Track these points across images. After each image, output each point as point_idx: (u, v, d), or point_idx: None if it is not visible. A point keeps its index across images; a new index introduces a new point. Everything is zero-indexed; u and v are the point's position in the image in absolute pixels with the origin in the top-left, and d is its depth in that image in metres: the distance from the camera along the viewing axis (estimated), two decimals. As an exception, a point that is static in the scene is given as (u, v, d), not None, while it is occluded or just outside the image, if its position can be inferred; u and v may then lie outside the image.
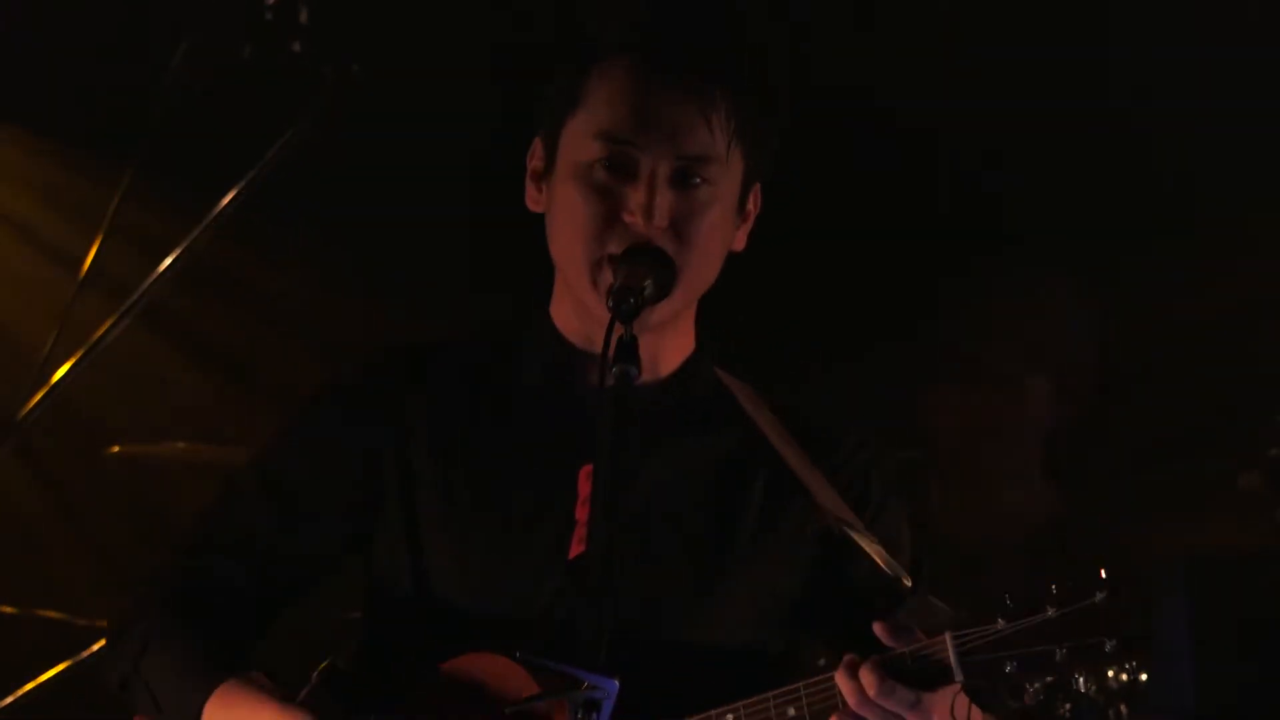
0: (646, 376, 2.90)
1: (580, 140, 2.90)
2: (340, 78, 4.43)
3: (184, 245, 4.41)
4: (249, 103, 5.16)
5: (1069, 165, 5.33)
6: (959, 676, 2.59)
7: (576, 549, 2.90)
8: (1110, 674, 4.74)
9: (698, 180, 2.88)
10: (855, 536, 2.83)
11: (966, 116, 5.33)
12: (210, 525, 3.08)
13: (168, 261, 4.41)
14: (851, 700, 2.65)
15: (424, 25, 5.52)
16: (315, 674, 2.94)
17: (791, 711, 2.74)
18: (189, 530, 3.10)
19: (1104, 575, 2.51)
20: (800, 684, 2.73)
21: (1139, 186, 5.31)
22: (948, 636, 2.60)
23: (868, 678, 2.63)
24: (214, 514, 3.09)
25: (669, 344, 3.02)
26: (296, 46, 4.64)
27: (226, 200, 4.42)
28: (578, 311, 2.99)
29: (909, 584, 2.80)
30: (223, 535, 3.05)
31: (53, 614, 5.31)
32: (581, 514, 2.90)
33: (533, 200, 3.01)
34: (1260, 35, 5.19)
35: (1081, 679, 2.53)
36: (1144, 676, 4.76)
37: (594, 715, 2.62)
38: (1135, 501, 4.98)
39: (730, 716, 2.79)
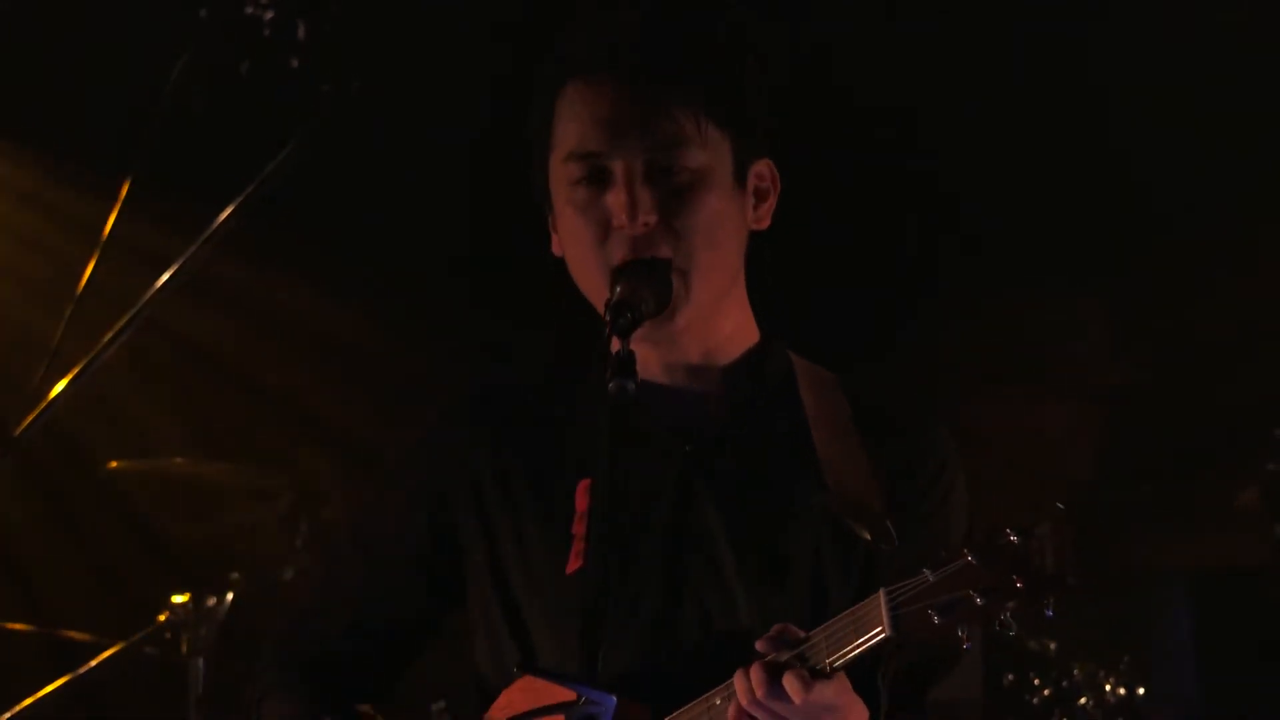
0: (703, 368, 2.96)
1: (560, 170, 2.93)
2: (338, 93, 4.43)
3: (182, 260, 4.40)
4: (248, 118, 5.16)
5: (1068, 182, 5.34)
6: (888, 630, 2.58)
7: (574, 564, 2.90)
8: (1108, 688, 4.77)
9: (678, 168, 2.87)
10: (845, 516, 2.84)
11: (974, 131, 5.34)
12: (312, 589, 3.19)
13: (165, 276, 4.40)
14: (744, 700, 2.67)
15: (422, 40, 5.53)
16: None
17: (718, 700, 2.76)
18: (298, 594, 3.18)
19: (1019, 519, 2.51)
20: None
21: (1136, 206, 5.32)
22: (881, 593, 2.60)
23: (756, 677, 2.66)
24: (315, 577, 3.24)
25: (720, 336, 3.00)
26: (295, 63, 4.65)
27: (225, 215, 4.42)
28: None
29: (886, 547, 2.81)
30: (324, 598, 3.13)
31: (51, 630, 5.31)
32: (578, 529, 2.91)
33: (555, 247, 3.02)
34: (1258, 47, 5.21)
35: (1010, 617, 2.51)
36: (1141, 690, 4.79)
37: (591, 731, 2.62)
38: (1135, 518, 4.97)
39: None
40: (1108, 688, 4.77)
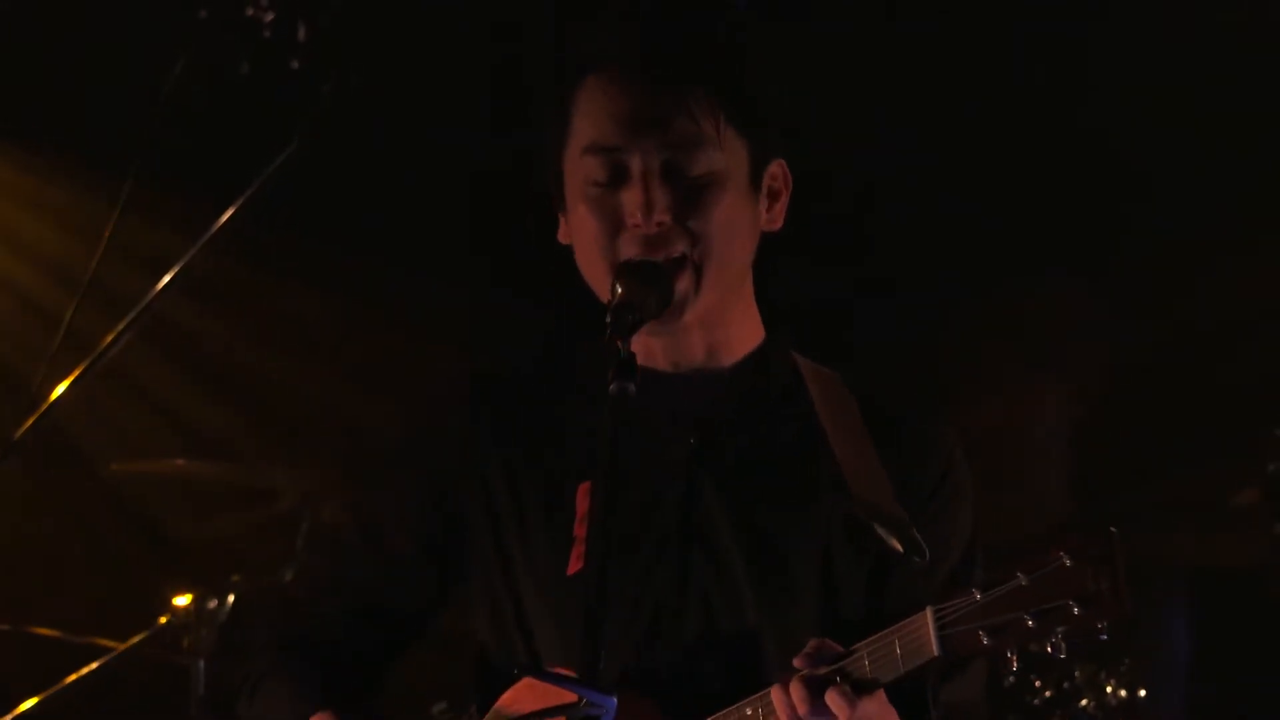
0: (709, 365, 2.96)
1: (575, 162, 2.93)
2: (338, 94, 4.43)
3: (183, 261, 4.40)
4: (247, 119, 5.16)
5: (1068, 182, 5.34)
6: (936, 652, 2.58)
7: (575, 565, 2.90)
8: (1109, 689, 4.77)
9: (695, 169, 2.88)
10: (876, 526, 2.83)
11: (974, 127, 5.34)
12: (312, 574, 3.16)
13: (167, 278, 4.41)
14: (785, 716, 2.68)
15: (422, 41, 5.53)
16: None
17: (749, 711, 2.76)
18: (296, 580, 3.23)
19: (1071, 540, 2.50)
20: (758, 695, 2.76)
21: (1136, 206, 5.31)
22: (928, 611, 2.60)
23: (797, 693, 2.65)
24: (315, 563, 3.18)
25: (727, 334, 3.01)
26: (295, 64, 4.64)
27: (225, 217, 4.42)
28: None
29: (920, 560, 2.80)
30: (325, 583, 3.11)
31: (51, 632, 5.31)
32: (580, 531, 2.90)
33: (562, 234, 3.03)
34: (1258, 47, 5.20)
35: (1061, 643, 2.51)
36: (1142, 692, 4.78)
37: (591, 732, 2.61)
38: (1135, 516, 4.97)
39: None
40: (1109, 689, 4.77)
